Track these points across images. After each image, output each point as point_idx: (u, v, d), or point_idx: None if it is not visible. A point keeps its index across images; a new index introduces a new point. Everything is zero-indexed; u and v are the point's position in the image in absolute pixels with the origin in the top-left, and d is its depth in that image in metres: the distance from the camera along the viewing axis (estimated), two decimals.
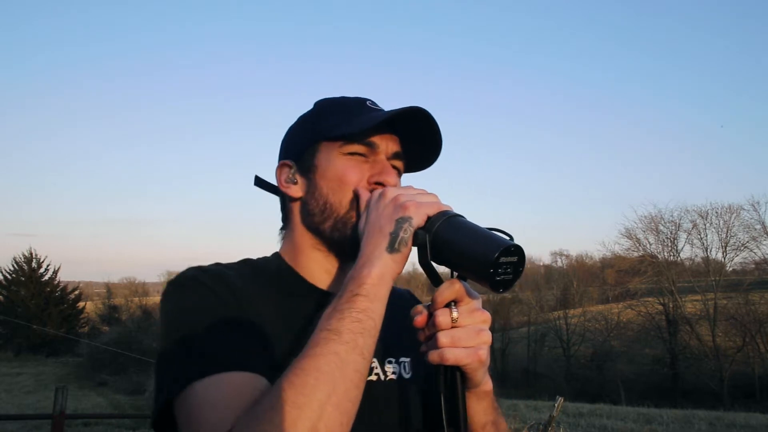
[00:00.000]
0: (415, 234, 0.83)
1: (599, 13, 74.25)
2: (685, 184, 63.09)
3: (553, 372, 34.56)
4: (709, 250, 33.98)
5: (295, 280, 1.00)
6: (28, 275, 33.43)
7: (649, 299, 33.56)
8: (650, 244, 34.62)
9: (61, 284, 35.61)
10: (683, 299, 32.03)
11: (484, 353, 0.85)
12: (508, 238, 0.80)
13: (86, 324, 36.70)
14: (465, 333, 0.83)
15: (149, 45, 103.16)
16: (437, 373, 0.86)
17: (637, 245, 35.14)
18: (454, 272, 0.85)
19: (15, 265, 33.66)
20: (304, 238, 1.01)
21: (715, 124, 62.52)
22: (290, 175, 1.02)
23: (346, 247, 0.95)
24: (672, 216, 34.19)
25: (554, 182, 75.13)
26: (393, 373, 0.99)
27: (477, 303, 0.86)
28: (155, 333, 24.56)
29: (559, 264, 55.17)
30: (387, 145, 0.99)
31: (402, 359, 1.02)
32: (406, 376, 1.01)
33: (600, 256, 45.40)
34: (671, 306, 31.70)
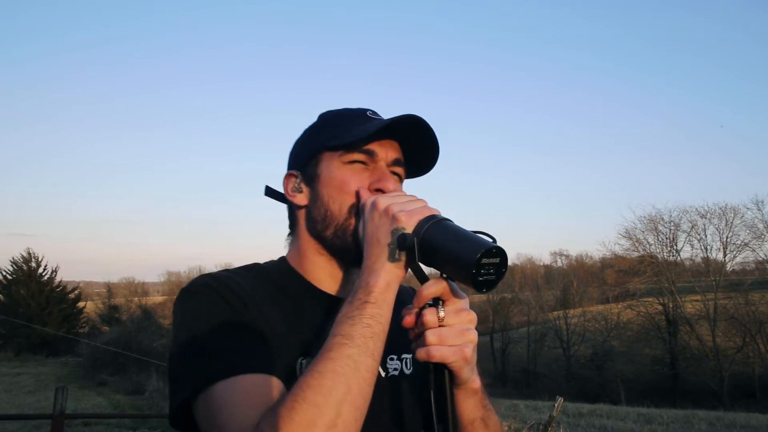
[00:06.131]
0: (404, 238, 0.86)
1: (597, 15, 74.32)
2: (683, 184, 63.19)
3: (553, 372, 34.59)
4: (709, 250, 34.03)
5: (300, 284, 1.05)
6: (28, 275, 33.40)
7: (649, 299, 33.60)
8: (650, 245, 34.68)
9: (61, 284, 35.60)
10: (683, 299, 32.04)
11: (469, 351, 0.88)
12: (491, 240, 0.83)
13: (86, 324, 36.55)
14: (451, 332, 0.87)
15: (153, 37, 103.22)
16: (426, 370, 0.90)
17: (637, 245, 35.20)
18: (443, 273, 0.88)
19: (14, 265, 33.66)
20: (309, 244, 1.06)
21: (715, 124, 62.55)
22: (296, 185, 1.07)
23: (346, 252, 1.01)
24: (671, 216, 34.30)
25: (554, 182, 75.26)
26: (395, 369, 1.04)
27: (464, 303, 0.90)
28: (155, 333, 24.58)
29: (559, 264, 55.42)
30: (386, 152, 1.03)
31: (404, 355, 1.06)
32: (407, 372, 1.05)
33: (600, 256, 45.54)
34: (671, 306, 31.71)
